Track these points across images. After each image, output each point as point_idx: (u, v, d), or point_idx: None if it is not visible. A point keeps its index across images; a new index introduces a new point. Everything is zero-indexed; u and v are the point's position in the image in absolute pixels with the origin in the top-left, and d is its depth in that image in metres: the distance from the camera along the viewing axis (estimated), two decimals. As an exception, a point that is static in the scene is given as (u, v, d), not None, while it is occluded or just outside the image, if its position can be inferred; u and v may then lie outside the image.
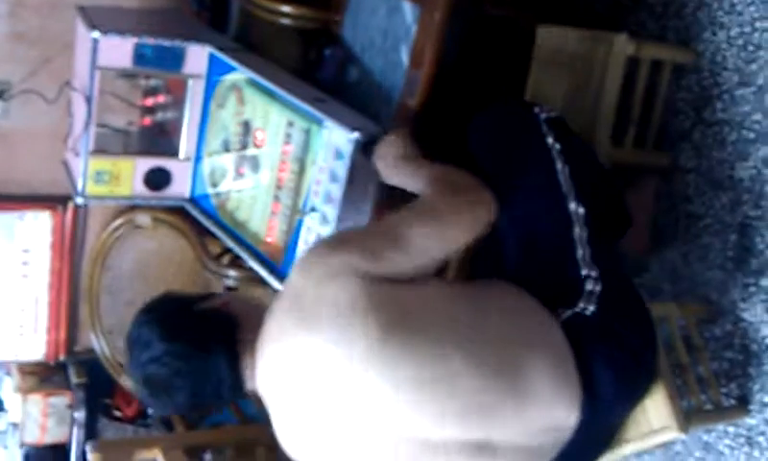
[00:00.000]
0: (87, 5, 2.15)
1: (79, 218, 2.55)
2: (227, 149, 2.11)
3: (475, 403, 1.36)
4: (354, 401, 1.36)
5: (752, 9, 1.95)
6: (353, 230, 1.74)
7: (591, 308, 1.45)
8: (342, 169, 1.77)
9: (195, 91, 2.13)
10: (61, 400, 2.72)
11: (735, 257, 2.00)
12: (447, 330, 1.37)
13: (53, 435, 2.73)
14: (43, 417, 2.71)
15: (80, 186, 2.12)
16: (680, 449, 2.13)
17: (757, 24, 1.94)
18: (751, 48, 1.95)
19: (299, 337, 1.36)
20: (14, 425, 2.75)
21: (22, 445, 2.73)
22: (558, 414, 1.40)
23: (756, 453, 1.97)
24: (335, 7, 2.03)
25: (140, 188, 2.18)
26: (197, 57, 2.09)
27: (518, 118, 1.65)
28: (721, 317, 2.03)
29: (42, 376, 2.75)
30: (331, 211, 1.81)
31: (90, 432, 2.76)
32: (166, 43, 2.05)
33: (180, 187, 2.22)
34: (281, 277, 1.96)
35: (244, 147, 2.05)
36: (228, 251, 2.43)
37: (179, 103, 2.16)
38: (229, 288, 2.60)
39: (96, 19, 2.04)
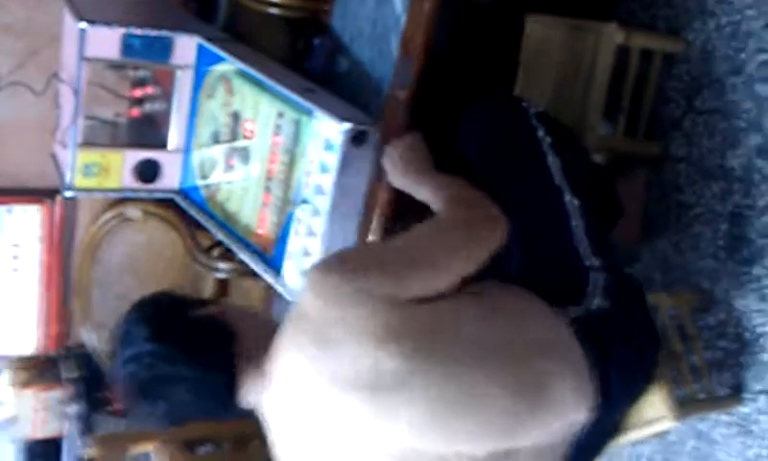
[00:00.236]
0: (75, -4, 2.14)
1: (68, 211, 2.54)
2: (216, 140, 2.10)
3: (501, 419, 1.32)
4: (380, 429, 1.30)
5: (742, -3, 1.95)
6: (370, 248, 1.67)
7: (600, 302, 1.44)
8: (332, 160, 1.75)
9: (183, 82, 2.11)
10: (54, 394, 2.71)
11: (727, 246, 2.00)
12: (469, 349, 1.32)
13: (46, 429, 2.72)
14: (36, 411, 2.70)
15: (68, 179, 2.10)
16: (674, 439, 2.13)
17: (747, 12, 1.93)
18: (740, 37, 1.95)
19: (319, 363, 1.29)
20: (7, 420, 2.74)
21: (15, 439, 2.72)
22: (573, 413, 1.39)
23: (750, 441, 1.98)
24: (324, -4, 2.01)
25: (129, 181, 2.16)
26: (185, 47, 2.08)
27: (508, 113, 1.63)
28: (714, 306, 2.04)
29: (35, 370, 2.74)
30: (322, 203, 1.80)
31: (84, 426, 2.75)
32: (154, 34, 2.04)
33: (170, 179, 2.21)
34: (273, 268, 1.95)
35: (234, 138, 2.04)
36: (218, 243, 2.42)
37: (167, 94, 2.15)
38: (221, 281, 2.59)
39: (83, 10, 2.02)
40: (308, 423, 1.35)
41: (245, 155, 2.02)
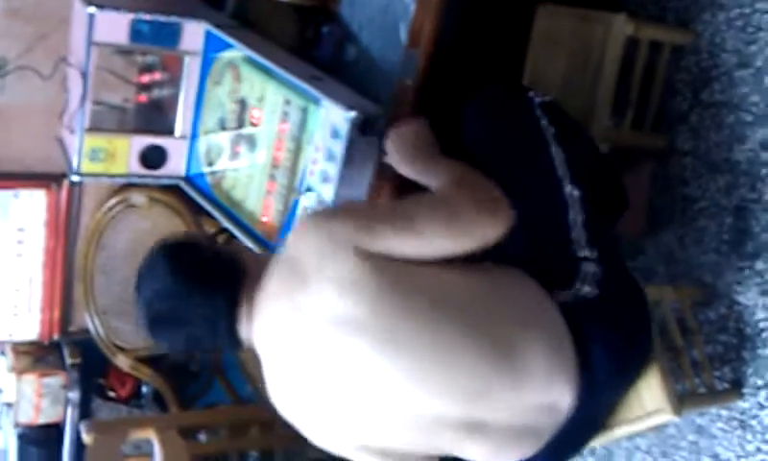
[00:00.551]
0: (84, -20, 2.14)
1: (74, 196, 2.54)
2: (223, 127, 2.10)
3: (472, 380, 1.37)
4: (349, 368, 1.38)
5: (751, -10, 1.95)
6: (362, 202, 1.75)
7: (589, 290, 1.45)
8: (339, 148, 1.76)
9: (191, 68, 2.12)
10: (56, 380, 2.71)
11: (731, 240, 2.00)
12: (446, 306, 1.38)
13: (47, 415, 2.73)
14: (37, 397, 2.70)
15: (75, 164, 2.11)
16: (673, 432, 2.14)
17: (757, 5, 1.93)
18: (750, 30, 1.95)
19: (297, 301, 1.39)
20: (8, 406, 2.74)
21: (16, 425, 2.72)
22: (554, 393, 1.41)
23: (749, 436, 1.98)
24: (333, -16, 2.01)
25: (136, 166, 2.17)
26: (193, 33, 2.08)
27: (512, 102, 1.64)
28: (716, 300, 2.04)
29: (36, 355, 2.74)
30: (328, 191, 1.80)
31: (84, 412, 2.75)
32: (163, 19, 2.04)
33: (176, 166, 2.21)
34: (277, 256, 1.96)
35: (240, 125, 2.05)
36: (223, 230, 2.42)
37: (175, 80, 2.15)
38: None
39: (92, -5, 2.02)
40: (292, 357, 1.42)
41: (251, 142, 2.03)
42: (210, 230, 2.50)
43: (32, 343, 2.71)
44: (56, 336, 2.70)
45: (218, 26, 2.07)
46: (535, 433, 1.44)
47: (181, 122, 2.17)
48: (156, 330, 1.52)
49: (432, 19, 1.75)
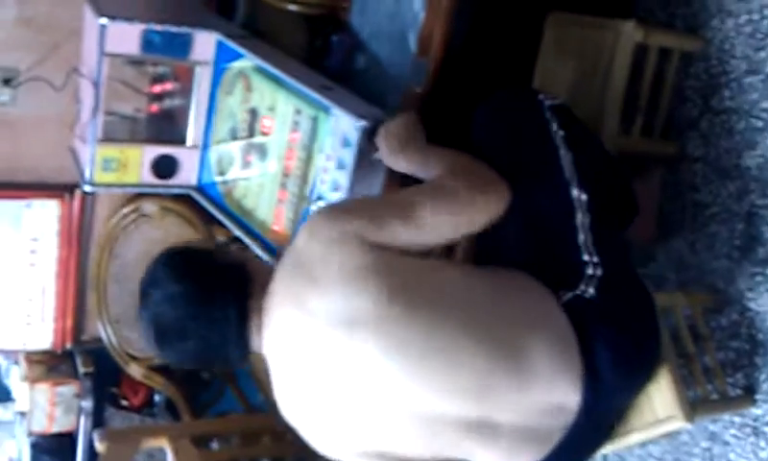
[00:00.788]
0: (95, -9, 2.16)
1: (86, 206, 2.56)
2: (234, 137, 2.11)
3: (476, 380, 1.37)
4: (357, 368, 1.38)
5: (760, -4, 1.94)
6: (364, 197, 1.76)
7: (591, 291, 1.45)
8: (349, 157, 1.77)
9: (202, 78, 2.13)
10: (69, 389, 2.73)
11: (742, 246, 1.99)
12: (452, 306, 1.39)
13: (60, 424, 2.74)
14: (50, 406, 2.71)
15: (87, 174, 2.13)
16: (686, 439, 2.12)
17: (766, 12, 1.93)
18: (759, 36, 1.94)
19: (302, 299, 1.39)
20: (22, 415, 2.76)
21: (30, 434, 2.74)
22: (559, 394, 1.41)
23: (763, 443, 1.97)
24: (342, -7, 2.03)
25: (148, 176, 2.19)
26: (204, 44, 2.09)
27: (522, 105, 1.64)
28: (727, 306, 2.03)
29: (50, 365, 2.76)
30: (338, 199, 1.81)
31: (97, 421, 2.77)
32: (174, 30, 2.06)
33: (188, 175, 2.22)
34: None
35: (251, 135, 2.06)
36: (234, 239, 2.43)
37: (186, 90, 2.17)
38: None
39: (104, 5, 2.04)
40: (296, 356, 1.43)
41: (262, 151, 2.04)
42: (222, 239, 2.53)
43: (45, 352, 2.73)
44: (69, 345, 2.72)
45: (229, 36, 2.09)
46: (543, 436, 1.44)
47: (193, 132, 2.19)
48: (164, 343, 1.49)
49: (441, 27, 1.76)
